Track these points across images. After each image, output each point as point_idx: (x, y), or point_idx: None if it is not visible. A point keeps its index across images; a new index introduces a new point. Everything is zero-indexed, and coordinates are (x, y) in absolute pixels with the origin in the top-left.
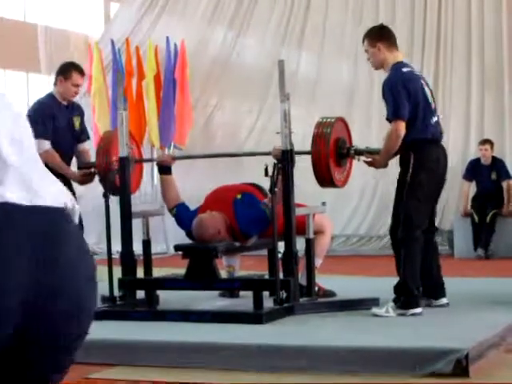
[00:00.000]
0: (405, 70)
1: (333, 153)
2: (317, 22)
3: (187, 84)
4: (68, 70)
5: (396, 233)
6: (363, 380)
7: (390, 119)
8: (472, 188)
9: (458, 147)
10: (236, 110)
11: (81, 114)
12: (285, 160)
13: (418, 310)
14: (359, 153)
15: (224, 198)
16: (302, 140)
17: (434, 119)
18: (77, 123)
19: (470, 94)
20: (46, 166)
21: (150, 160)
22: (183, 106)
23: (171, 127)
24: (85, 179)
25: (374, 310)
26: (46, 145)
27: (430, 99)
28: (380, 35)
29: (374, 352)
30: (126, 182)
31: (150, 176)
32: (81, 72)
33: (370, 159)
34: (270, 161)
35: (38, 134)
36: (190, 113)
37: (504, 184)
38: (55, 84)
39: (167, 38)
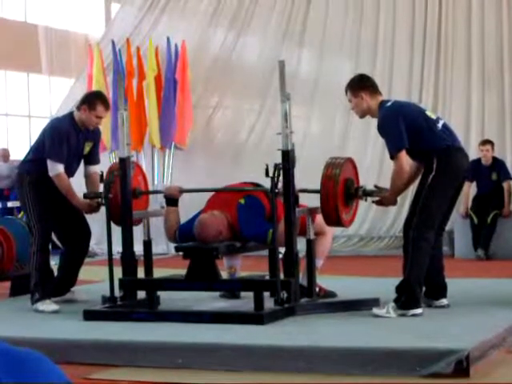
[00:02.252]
0: (389, 103)
1: (341, 194)
2: (317, 22)
3: (188, 84)
4: (94, 102)
5: (408, 232)
6: (364, 381)
7: (393, 156)
8: (472, 189)
9: None
10: (236, 110)
11: (96, 139)
12: (285, 160)
13: (419, 310)
14: (367, 193)
15: (227, 202)
16: (302, 139)
17: (439, 125)
18: (87, 148)
19: (471, 94)
20: (38, 173)
21: (158, 192)
22: (184, 106)
23: (172, 127)
24: (91, 209)
25: (375, 310)
26: (60, 168)
27: (427, 111)
28: (361, 85)
29: (374, 353)
30: (127, 183)
31: (150, 176)
32: (106, 106)
33: (378, 198)
34: (271, 161)
35: (53, 155)
36: (191, 113)
37: (504, 185)
38: (78, 109)
39: (168, 38)
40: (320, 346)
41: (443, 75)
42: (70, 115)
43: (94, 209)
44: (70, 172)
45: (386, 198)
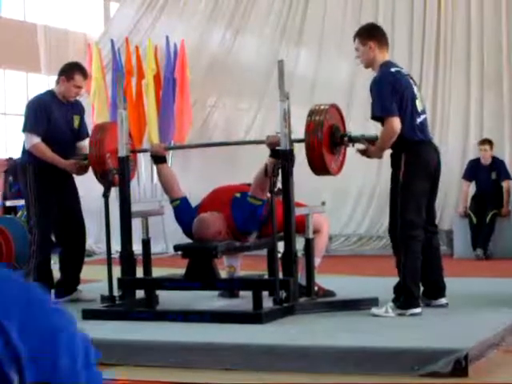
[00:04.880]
0: (393, 69)
1: (326, 140)
2: (315, 21)
3: (187, 83)
4: (71, 71)
5: (394, 233)
6: (362, 380)
7: (376, 116)
8: (472, 188)
9: (458, 147)
10: (234, 109)
11: (81, 111)
12: (285, 159)
13: (418, 310)
14: (354, 140)
15: (223, 197)
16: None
17: (419, 120)
18: (76, 122)
19: (470, 94)
20: (40, 161)
21: (145, 151)
22: (183, 105)
23: (171, 126)
24: (78, 168)
25: (374, 310)
26: (35, 139)
27: (418, 99)
28: (372, 34)
29: (373, 352)
30: (126, 182)
31: (149, 174)
32: (84, 74)
33: (363, 147)
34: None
35: (28, 129)
36: (190, 112)
37: (504, 184)
38: (57, 82)
39: (167, 37)
40: (319, 345)
41: (442, 75)
42: (50, 91)
43: (83, 169)
44: (67, 146)
45: (371, 151)
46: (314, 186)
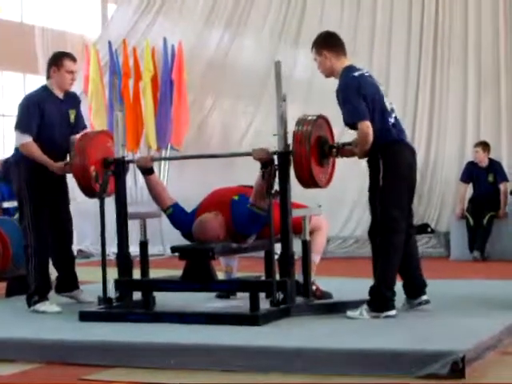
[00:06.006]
0: (356, 73)
1: (314, 152)
2: (313, 22)
3: (184, 85)
4: (59, 59)
5: (375, 235)
6: (359, 381)
7: (349, 123)
8: (469, 190)
9: (455, 150)
10: (232, 111)
11: (76, 105)
12: (282, 161)
13: (392, 312)
14: (341, 153)
15: (221, 199)
16: None
17: (392, 120)
18: (72, 116)
19: (467, 97)
20: (29, 160)
21: (130, 162)
22: (180, 107)
23: (168, 128)
24: (66, 169)
25: (349, 312)
26: (25, 138)
27: (386, 100)
28: (326, 43)
29: (369, 354)
30: (121, 185)
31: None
32: (72, 58)
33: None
34: None
35: (18, 127)
36: (187, 114)
37: (501, 186)
38: (49, 77)
39: (164, 39)
40: (315, 346)
41: (439, 78)
42: (44, 86)
43: (66, 170)
44: (63, 142)
45: (357, 155)
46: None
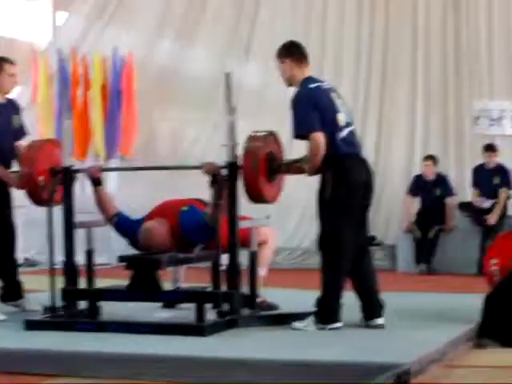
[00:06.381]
0: (312, 85)
1: (263, 169)
2: (264, 34)
3: (134, 94)
4: None
5: (323, 247)
6: None
7: (299, 134)
8: (416, 203)
9: (402, 163)
10: (181, 121)
11: (18, 110)
12: (230, 172)
13: (338, 324)
14: (288, 169)
15: (170, 209)
16: None
17: (342, 134)
18: (14, 122)
19: (416, 110)
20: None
21: (81, 170)
22: (129, 116)
23: (116, 138)
24: (23, 183)
25: (295, 324)
26: None
27: (341, 113)
28: (289, 51)
29: (314, 365)
30: (69, 193)
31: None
32: (10, 62)
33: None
34: None
35: None
36: (136, 124)
37: (448, 200)
38: None
39: (114, 48)
40: (261, 358)
41: (389, 92)
42: None
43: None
44: (9, 149)
45: (306, 170)
46: None
